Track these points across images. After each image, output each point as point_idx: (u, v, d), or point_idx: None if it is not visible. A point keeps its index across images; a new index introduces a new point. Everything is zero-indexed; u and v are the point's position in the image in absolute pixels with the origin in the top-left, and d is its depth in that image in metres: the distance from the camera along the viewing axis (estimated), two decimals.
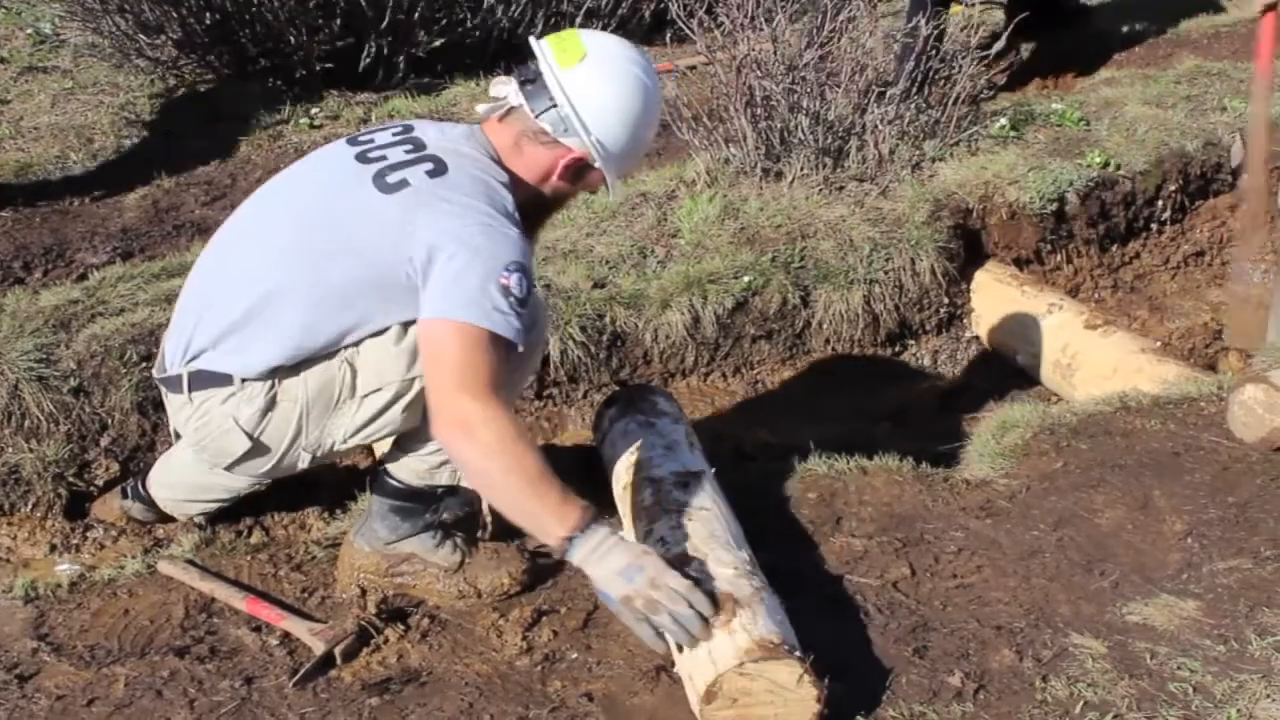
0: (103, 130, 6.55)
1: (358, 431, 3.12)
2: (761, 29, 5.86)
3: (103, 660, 2.97)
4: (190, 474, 3.65)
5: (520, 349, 2.90)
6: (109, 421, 4.19)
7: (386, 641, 3.01)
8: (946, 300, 5.47)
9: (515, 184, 3.07)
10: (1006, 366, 5.37)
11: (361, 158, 3.07)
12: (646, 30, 8.45)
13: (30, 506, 4.03)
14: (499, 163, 3.09)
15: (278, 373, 3.05)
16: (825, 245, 5.29)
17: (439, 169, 2.99)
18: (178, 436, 3.43)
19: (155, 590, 3.26)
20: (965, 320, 5.54)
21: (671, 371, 4.98)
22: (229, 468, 3.24)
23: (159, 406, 4.16)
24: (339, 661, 2.93)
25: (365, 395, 3.07)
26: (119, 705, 2.80)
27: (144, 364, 4.19)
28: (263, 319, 3.03)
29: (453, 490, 3.24)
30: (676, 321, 4.93)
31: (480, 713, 2.76)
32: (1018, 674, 2.84)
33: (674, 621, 2.67)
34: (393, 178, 2.98)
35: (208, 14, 7.03)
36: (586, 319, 4.75)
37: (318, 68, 7.18)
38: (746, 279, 5.08)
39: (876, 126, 5.80)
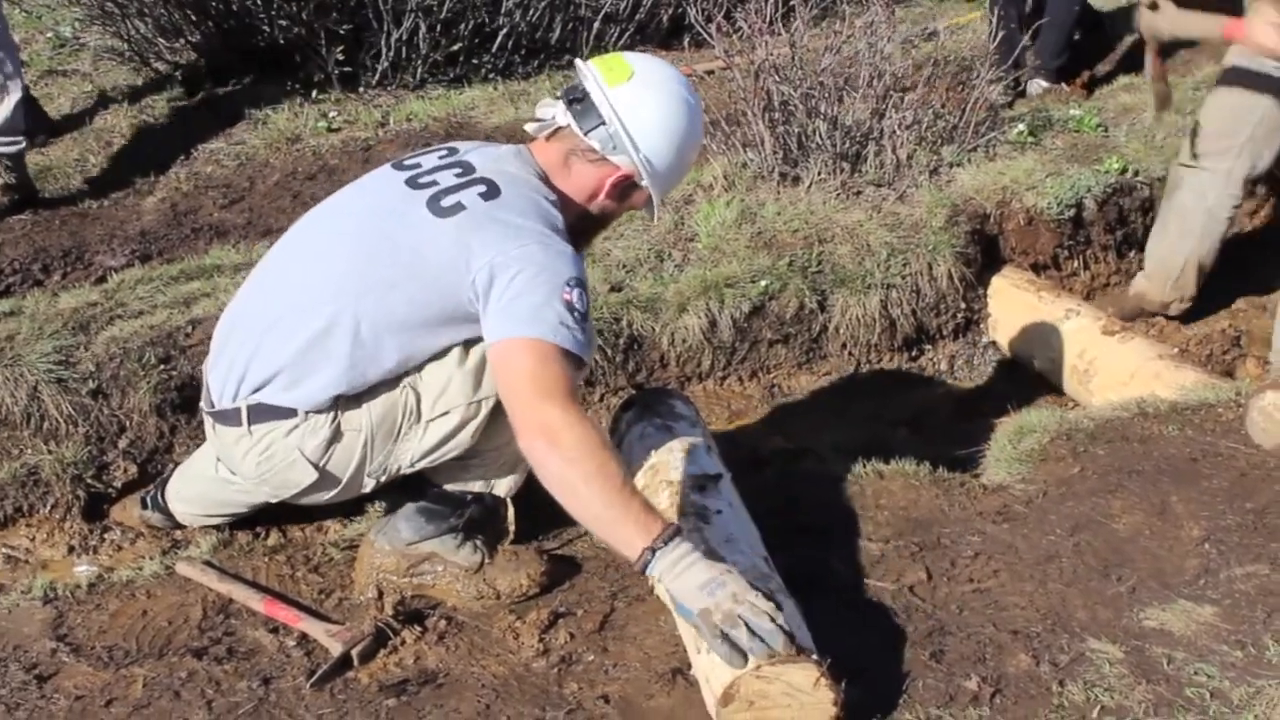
0: (121, 133, 6.58)
1: (425, 456, 3.13)
2: (779, 34, 5.86)
3: (121, 661, 2.98)
4: (210, 490, 3.66)
5: (586, 365, 2.93)
6: (127, 424, 4.20)
7: (403, 643, 3.02)
8: (963, 305, 5.47)
9: (564, 203, 3.08)
10: (1023, 372, 5.37)
11: (412, 183, 3.08)
12: (664, 35, 8.46)
13: (49, 508, 4.04)
14: (546, 182, 3.10)
15: (340, 402, 3.05)
16: (842, 250, 5.29)
17: (492, 191, 2.99)
18: (218, 461, 3.42)
19: (173, 591, 3.27)
20: (982, 326, 5.54)
21: (688, 375, 4.99)
22: (294, 498, 3.24)
23: (177, 409, 4.19)
24: (356, 663, 2.93)
25: (431, 420, 3.07)
26: (137, 706, 2.81)
27: (162, 366, 4.21)
28: (324, 350, 3.02)
29: (480, 498, 3.25)
30: (693, 325, 4.94)
31: (497, 714, 2.76)
32: (1034, 679, 2.83)
33: (753, 636, 2.56)
34: (447, 201, 2.99)
35: (229, 19, 7.06)
36: (603, 322, 4.75)
37: (335, 71, 7.19)
38: (763, 283, 5.08)
39: (894, 131, 5.80)
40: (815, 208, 5.53)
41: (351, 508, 3.80)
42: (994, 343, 5.53)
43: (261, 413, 3.09)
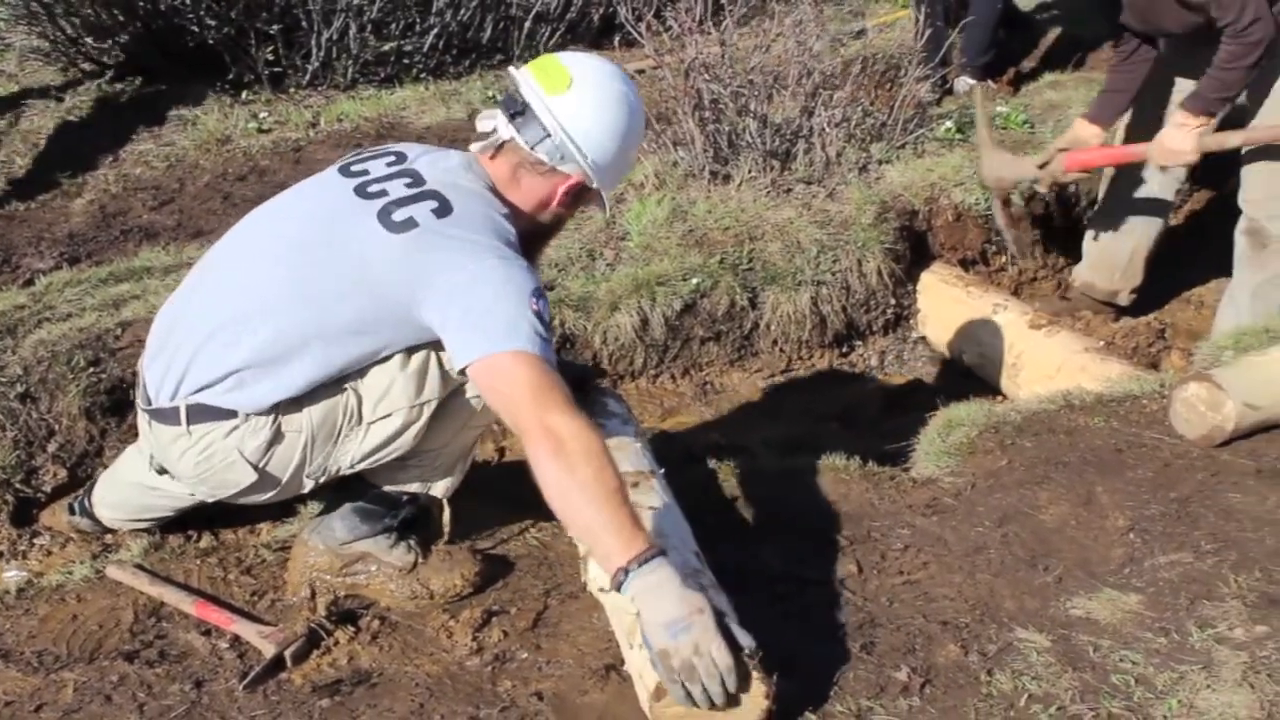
0: (48, 134, 6.51)
1: (366, 458, 3.12)
2: (709, 33, 5.89)
3: (51, 666, 2.96)
4: (134, 496, 3.63)
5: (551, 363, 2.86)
6: (56, 427, 4.16)
7: (337, 643, 3.01)
8: (893, 301, 5.52)
9: (515, 214, 3.06)
10: (953, 366, 5.43)
11: (361, 191, 3.03)
12: (595, 34, 8.46)
13: None
14: (497, 194, 3.08)
15: (281, 405, 3.02)
16: (773, 247, 5.33)
17: (444, 208, 2.95)
18: (161, 471, 3.37)
19: (104, 595, 3.25)
20: (912, 321, 5.60)
21: (620, 373, 5.01)
22: (231, 498, 3.22)
23: (106, 412, 4.16)
24: (289, 664, 2.92)
25: (372, 422, 3.06)
26: (67, 711, 2.79)
27: (91, 369, 4.17)
28: (270, 357, 2.99)
29: (415, 498, 3.25)
30: (625, 324, 4.95)
31: (431, 713, 2.76)
32: (963, 668, 2.87)
33: (704, 693, 2.54)
34: (399, 215, 2.94)
35: (156, 19, 7.01)
36: None
37: (265, 72, 7.16)
38: (694, 281, 5.11)
39: (824, 129, 5.84)
40: (746, 205, 5.56)
41: (284, 509, 3.78)
42: (924, 338, 5.59)
43: (201, 413, 3.05)
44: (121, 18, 7.03)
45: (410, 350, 3.01)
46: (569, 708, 2.77)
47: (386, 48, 7.46)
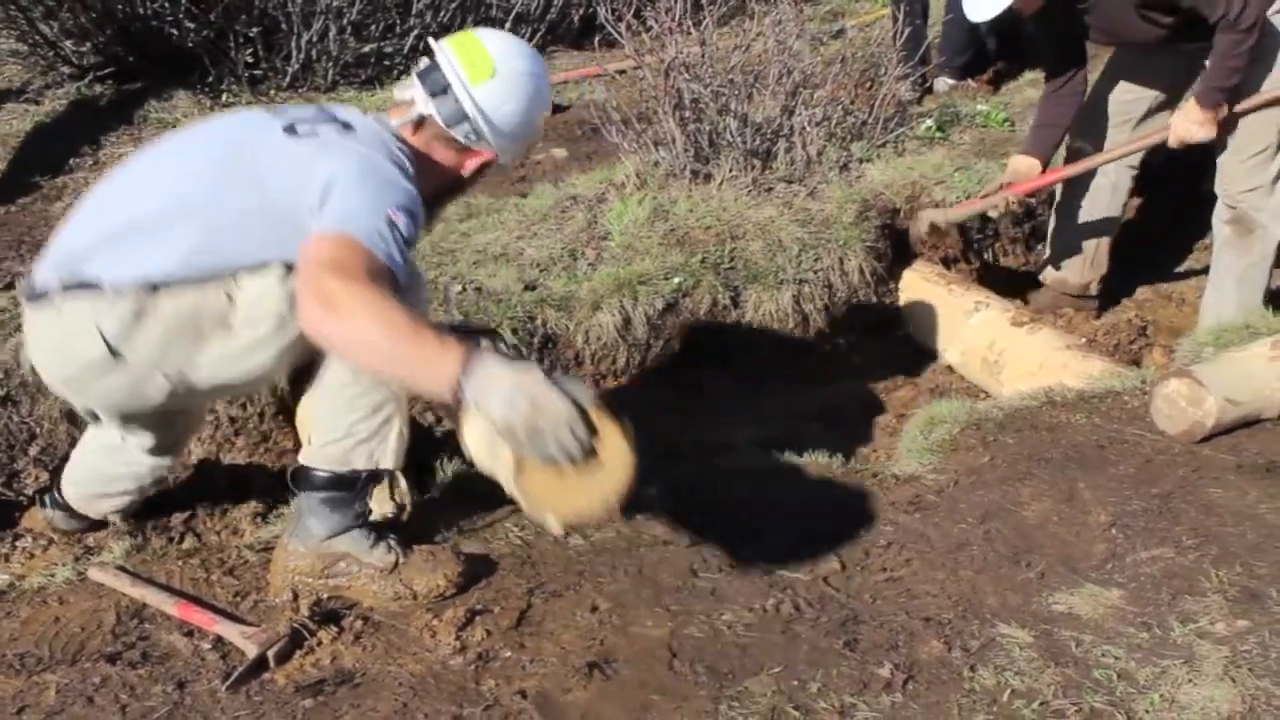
0: (26, 137, 6.49)
1: (227, 374, 3.10)
2: (689, 32, 5.89)
3: (33, 668, 2.94)
4: (95, 460, 3.63)
5: (398, 284, 2.88)
6: (37, 430, 4.15)
7: (320, 643, 3.00)
8: (875, 299, 5.52)
9: (422, 167, 3.17)
10: (935, 364, 5.43)
11: (272, 111, 3.20)
12: (576, 34, 8.49)
13: None
14: (405, 142, 3.20)
15: (151, 288, 3.01)
16: (754, 246, 5.33)
17: (347, 128, 3.10)
18: (93, 418, 3.37)
19: (86, 597, 3.24)
20: (894, 319, 5.59)
21: (603, 373, 5.00)
22: (85, 388, 3.16)
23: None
24: (272, 664, 2.91)
25: (237, 329, 3.04)
26: (50, 712, 2.78)
27: None
28: (148, 233, 3.03)
29: (374, 475, 3.23)
30: (607, 323, 4.95)
31: (414, 712, 2.76)
32: (946, 664, 2.88)
33: (556, 447, 2.67)
34: (303, 129, 3.08)
35: (135, 22, 6.99)
36: (518, 321, 4.76)
37: (245, 74, 7.14)
38: (676, 280, 5.11)
39: (804, 128, 5.85)
40: (727, 204, 5.56)
41: (266, 508, 3.79)
42: (906, 335, 5.59)
43: (73, 289, 3.04)
44: (100, 21, 7.00)
45: (291, 266, 2.98)
46: (553, 706, 2.77)
47: (366, 49, 7.46)
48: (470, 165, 3.30)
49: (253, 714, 2.77)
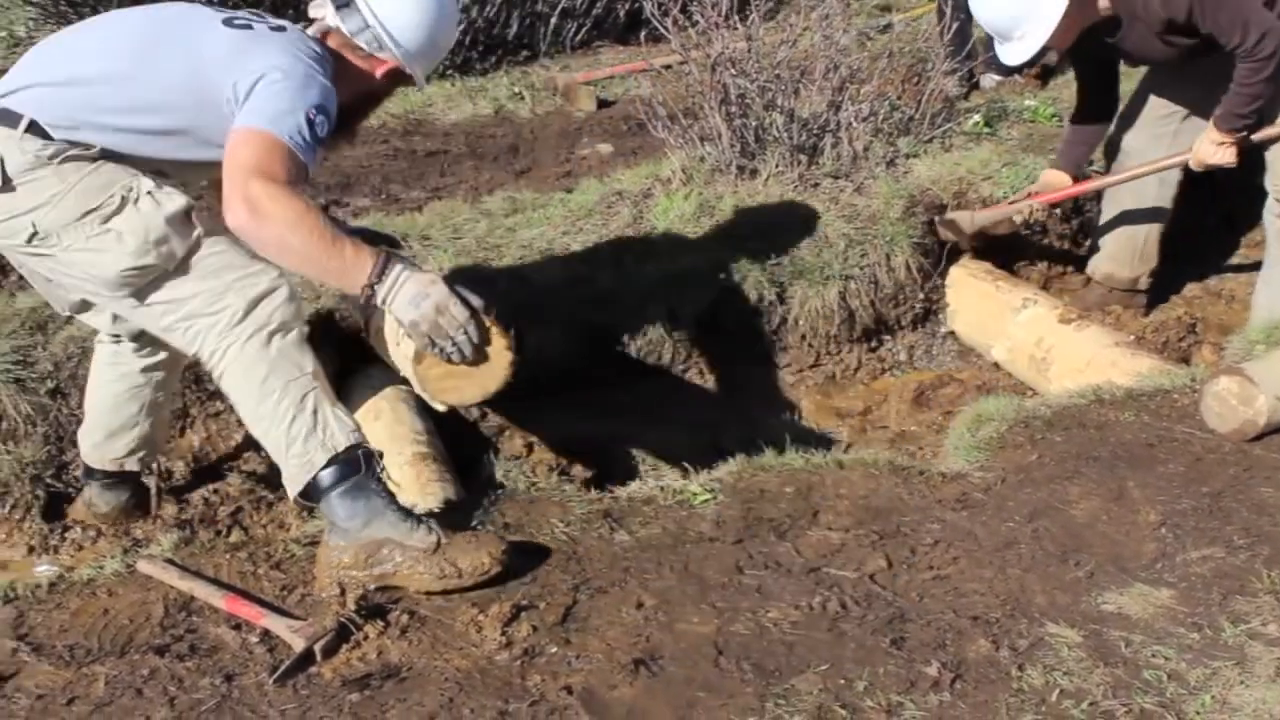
0: None
1: (76, 256, 3.17)
2: (736, 27, 5.88)
3: (82, 660, 2.96)
4: (96, 391, 3.85)
5: (310, 176, 3.23)
6: None
7: (366, 638, 3.00)
8: (922, 296, 5.50)
9: (341, 73, 3.38)
10: (982, 361, 5.40)
11: (214, 7, 3.46)
12: (621, 29, 8.49)
13: (8, 508, 4.03)
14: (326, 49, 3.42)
15: (67, 150, 3.14)
16: (800, 242, 5.31)
17: (280, 28, 3.35)
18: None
19: (134, 590, 3.25)
20: (940, 315, 5.57)
21: (649, 368, 5.00)
22: None
23: None
24: (319, 658, 2.92)
25: (111, 232, 3.13)
26: (99, 704, 2.80)
27: None
28: (82, 86, 3.19)
29: (367, 451, 3.23)
30: (653, 319, 4.94)
31: (460, 707, 2.76)
32: (994, 663, 2.86)
33: (454, 345, 3.18)
34: (240, 22, 3.33)
35: None
36: (565, 317, 4.76)
37: None
38: (722, 276, 5.09)
39: (851, 124, 5.83)
40: (773, 200, 5.55)
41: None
42: (952, 332, 5.56)
43: None
44: None
45: (186, 212, 3.19)
46: (599, 702, 2.76)
47: None
48: (379, 73, 3.48)
49: (299, 707, 2.78)
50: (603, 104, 7.60)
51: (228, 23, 3.31)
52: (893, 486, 3.70)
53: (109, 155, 3.19)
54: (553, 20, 8.01)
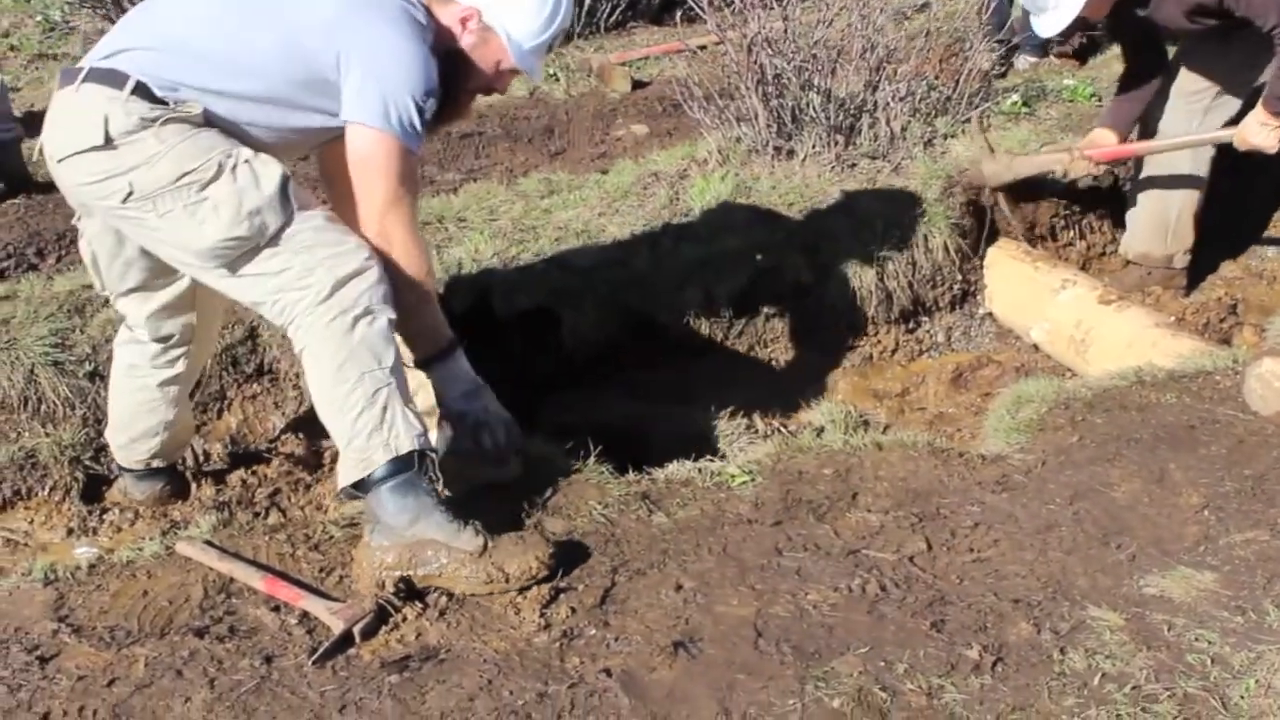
0: None
1: (171, 222, 3.15)
2: (772, 7, 5.85)
3: (122, 641, 2.97)
4: (118, 399, 3.85)
5: (417, 156, 3.36)
6: None
7: (405, 620, 3.01)
8: (960, 277, 5.47)
9: (436, 31, 3.37)
10: (1020, 342, 5.37)
11: None
12: (657, 10, 8.46)
13: (47, 490, 4.05)
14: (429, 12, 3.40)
15: (170, 113, 3.13)
16: (838, 223, 5.29)
17: None
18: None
19: (173, 571, 3.26)
20: (979, 296, 5.55)
21: (686, 350, 4.98)
22: (71, 168, 3.23)
23: None
24: (358, 640, 2.92)
25: (207, 201, 3.12)
26: (139, 685, 2.81)
27: None
28: (180, 48, 3.19)
29: (424, 454, 3.21)
30: (690, 300, 4.93)
31: (499, 689, 2.76)
32: (1035, 646, 2.84)
33: (494, 444, 3.46)
34: None
35: None
36: (600, 298, 4.75)
37: None
38: (759, 257, 5.07)
39: (888, 104, 5.80)
40: (810, 181, 5.53)
41: None
42: (990, 314, 5.54)
43: (99, 76, 3.17)
44: None
45: (284, 188, 3.17)
46: (638, 684, 2.76)
47: None
48: (460, 19, 3.41)
49: (339, 689, 2.78)
50: (638, 85, 7.57)
51: None
52: (932, 468, 3.68)
53: (211, 122, 3.18)
54: (587, 1, 7.98)
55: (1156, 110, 5.31)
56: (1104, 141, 5.25)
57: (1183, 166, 5.35)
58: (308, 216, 3.18)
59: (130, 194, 3.13)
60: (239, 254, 3.14)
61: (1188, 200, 5.41)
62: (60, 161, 3.22)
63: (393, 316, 3.18)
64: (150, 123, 3.10)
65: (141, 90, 3.12)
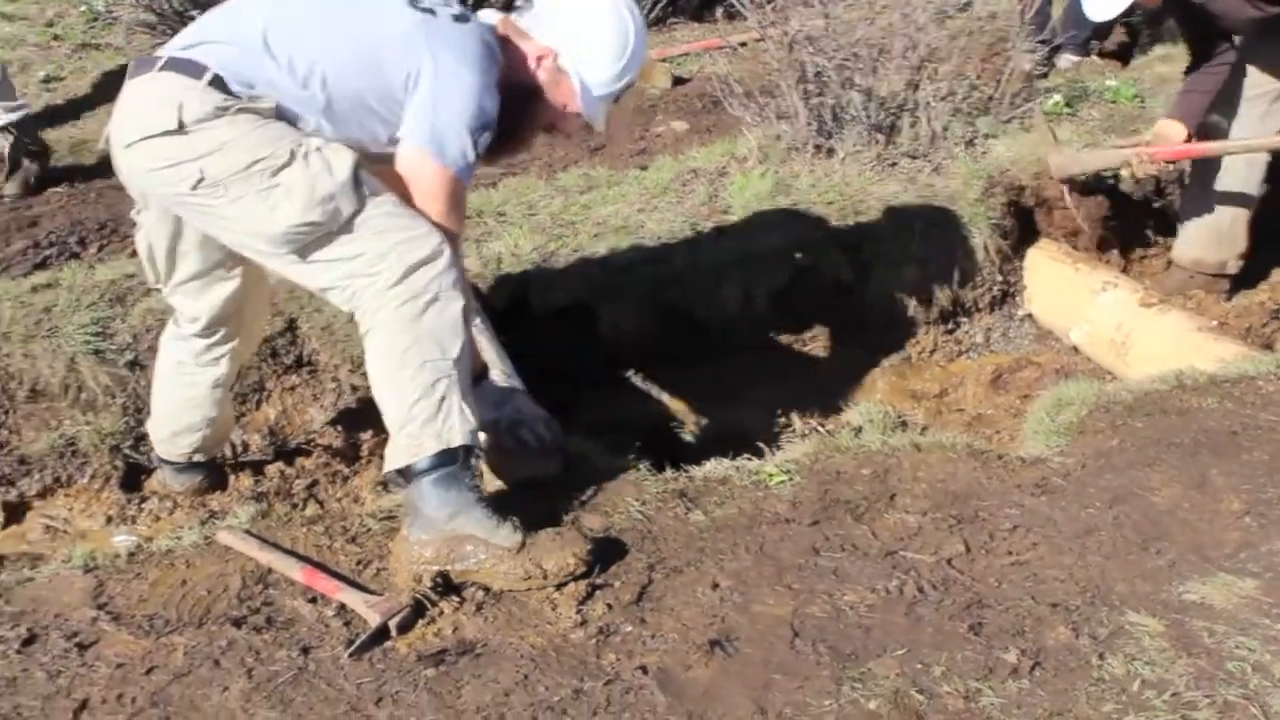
0: None
1: (242, 207, 3.15)
2: (814, 4, 5.84)
3: (161, 630, 2.99)
4: (163, 393, 3.86)
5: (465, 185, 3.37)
6: None
7: (441, 614, 3.01)
8: (1000, 278, 5.45)
9: (507, 63, 3.39)
10: (1060, 344, 5.35)
11: None
12: (697, 6, 8.44)
13: (87, 478, 4.07)
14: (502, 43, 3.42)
15: (241, 104, 3.14)
16: (878, 222, 5.27)
17: (463, 18, 3.33)
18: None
19: (212, 561, 3.28)
20: (1018, 298, 5.52)
21: (724, 347, 4.98)
22: (138, 153, 3.22)
23: None
24: (394, 633, 2.93)
25: (279, 187, 3.12)
26: (177, 674, 2.82)
27: None
28: (260, 47, 3.19)
29: (469, 450, 3.20)
30: (729, 298, 4.92)
31: (535, 684, 2.76)
32: (1074, 651, 2.82)
33: (536, 439, 3.55)
34: (425, 4, 3.30)
35: None
36: (639, 294, 4.74)
37: None
38: (798, 256, 5.06)
39: (929, 103, 5.78)
40: (850, 180, 5.51)
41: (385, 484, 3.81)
42: (1030, 315, 5.51)
43: (176, 65, 3.18)
44: None
45: (357, 179, 3.15)
46: (674, 682, 2.75)
47: None
48: (535, 56, 3.42)
49: (375, 681, 2.79)
50: (678, 81, 7.56)
51: (413, 2, 3.29)
52: (971, 470, 3.66)
53: (283, 116, 3.19)
54: None
55: (1211, 113, 5.26)
56: (1171, 133, 5.20)
57: (1238, 172, 5.30)
58: (379, 202, 3.17)
59: (201, 180, 3.13)
60: (311, 239, 3.14)
61: (1242, 206, 5.37)
62: (129, 147, 3.21)
63: (463, 303, 3.18)
64: (223, 111, 3.11)
65: (218, 82, 3.12)
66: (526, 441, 3.55)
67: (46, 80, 7.11)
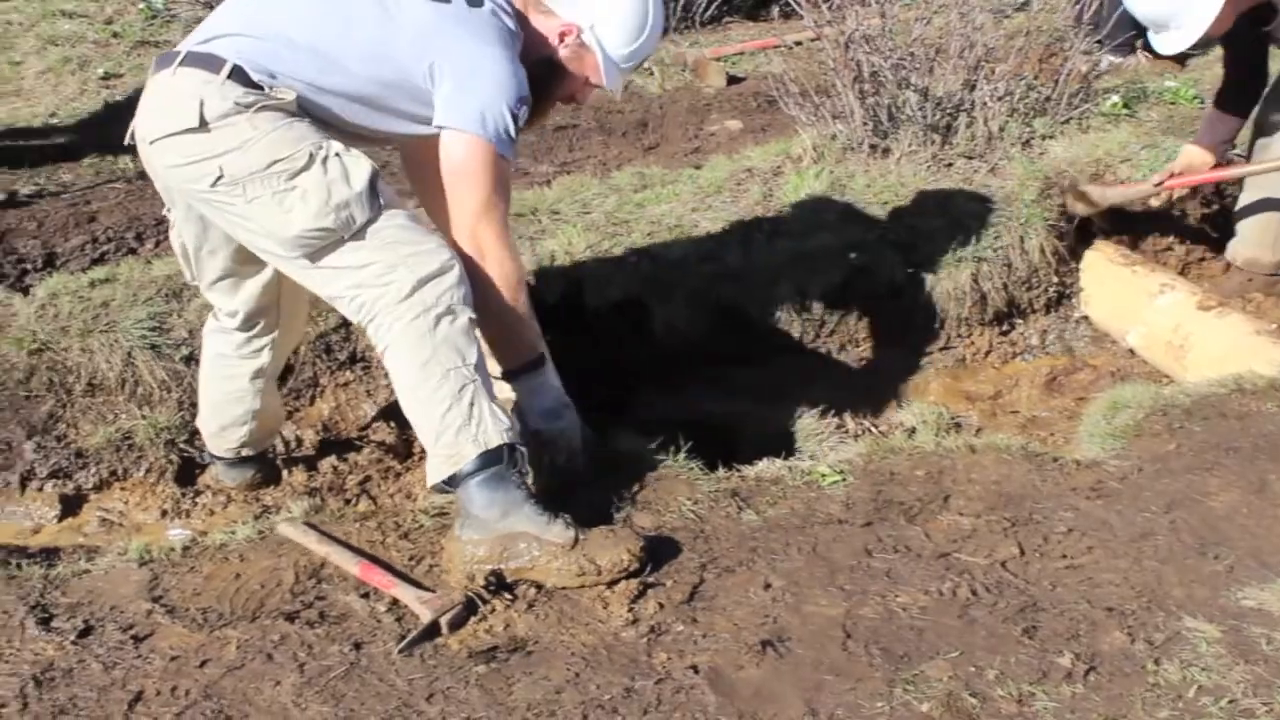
0: None
1: (258, 207, 3.16)
2: (870, 3, 5.81)
3: (215, 623, 3.01)
4: (208, 388, 3.90)
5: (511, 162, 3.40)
6: None
7: (493, 611, 3.01)
8: (1056, 279, 5.41)
9: (527, 40, 3.45)
10: (1116, 347, 5.30)
11: None
12: (752, 6, 8.42)
13: (143, 472, 4.10)
14: (520, 19, 3.47)
15: (265, 100, 3.15)
16: (933, 223, 5.24)
17: (477, 3, 3.34)
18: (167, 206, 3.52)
19: (265, 555, 3.29)
20: (1074, 299, 5.48)
21: (777, 347, 4.96)
22: (162, 149, 3.24)
23: None
24: (446, 630, 2.94)
25: (296, 189, 3.13)
26: (231, 667, 2.83)
27: None
28: (278, 39, 3.22)
29: (514, 448, 3.20)
30: (782, 297, 4.91)
31: (586, 683, 2.76)
32: (1129, 656, 2.80)
33: (568, 461, 3.52)
34: None
35: None
36: (692, 292, 4.73)
37: None
38: (853, 256, 5.04)
39: (986, 103, 5.74)
40: (905, 180, 5.48)
41: None
42: (1086, 317, 5.47)
43: (195, 60, 3.19)
44: None
45: (373, 186, 3.17)
46: (725, 682, 2.75)
47: None
48: (558, 32, 3.49)
49: (427, 678, 2.79)
50: (732, 80, 7.56)
51: None
52: (1025, 473, 3.64)
53: (305, 112, 3.21)
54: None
55: (1266, 118, 5.20)
56: (1195, 160, 5.16)
57: None
58: (393, 214, 3.20)
59: (220, 178, 3.15)
60: (323, 245, 3.16)
61: None
62: (152, 144, 3.24)
63: (473, 316, 3.19)
64: (245, 108, 3.12)
65: (237, 74, 3.14)
66: (548, 464, 3.53)
67: (105, 77, 7.18)
